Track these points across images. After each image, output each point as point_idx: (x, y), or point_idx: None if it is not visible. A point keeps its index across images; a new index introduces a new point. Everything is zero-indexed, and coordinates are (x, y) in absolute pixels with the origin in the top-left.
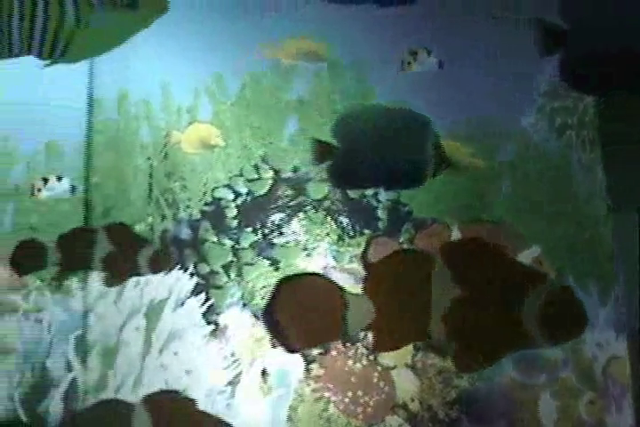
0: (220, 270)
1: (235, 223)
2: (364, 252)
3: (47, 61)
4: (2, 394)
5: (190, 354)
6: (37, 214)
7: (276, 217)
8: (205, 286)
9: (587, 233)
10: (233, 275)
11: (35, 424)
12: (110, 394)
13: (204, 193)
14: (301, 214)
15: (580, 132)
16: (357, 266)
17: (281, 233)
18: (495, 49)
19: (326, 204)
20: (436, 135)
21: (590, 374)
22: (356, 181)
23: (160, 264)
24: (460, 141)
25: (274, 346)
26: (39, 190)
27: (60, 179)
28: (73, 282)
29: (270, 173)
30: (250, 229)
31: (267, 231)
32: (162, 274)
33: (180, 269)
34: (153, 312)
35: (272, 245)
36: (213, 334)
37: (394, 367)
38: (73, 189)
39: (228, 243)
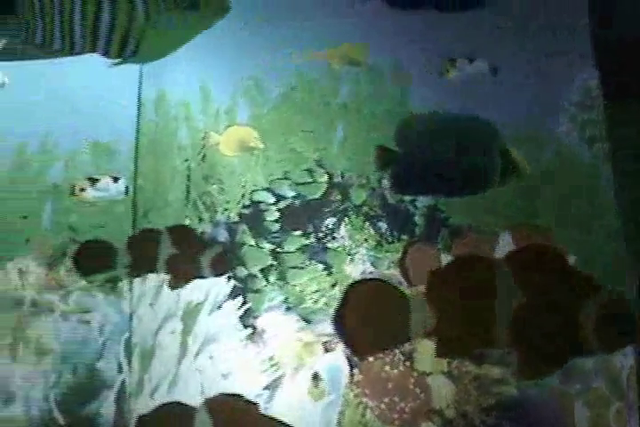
0: (259, 274)
1: (276, 227)
2: (402, 258)
3: (115, 60)
4: (37, 395)
5: (227, 358)
6: (77, 214)
7: (329, 221)
8: (243, 289)
9: (617, 245)
10: (273, 278)
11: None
12: (146, 398)
13: (243, 196)
14: (346, 219)
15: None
16: (395, 272)
17: (333, 237)
18: (533, 55)
19: (365, 209)
20: (503, 142)
21: (619, 384)
22: (418, 188)
23: (223, 266)
24: None
25: (326, 350)
26: (82, 190)
27: (116, 180)
28: (124, 284)
29: (325, 178)
30: (299, 233)
31: (320, 235)
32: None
33: None
34: (189, 315)
35: (325, 249)
36: (251, 337)
37: (429, 374)
38: (127, 190)
39: (268, 246)
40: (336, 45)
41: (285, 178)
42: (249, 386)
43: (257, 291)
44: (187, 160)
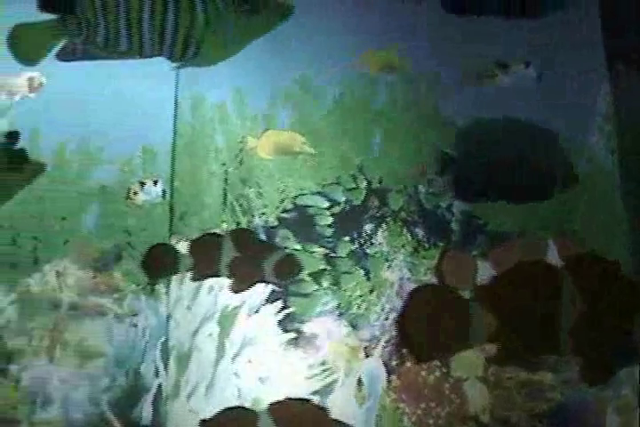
0: (307, 278)
1: (330, 231)
2: (438, 264)
3: (177, 63)
4: (78, 397)
5: (267, 362)
6: (125, 218)
7: (368, 227)
8: (283, 293)
9: None
10: (326, 283)
11: None
12: (182, 401)
13: (283, 200)
14: (384, 225)
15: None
16: (432, 278)
17: (371, 243)
18: (566, 63)
19: (402, 215)
20: (564, 150)
21: None
22: (477, 194)
23: (288, 271)
24: None
25: (366, 356)
26: (135, 193)
27: (155, 183)
28: (161, 286)
29: (365, 183)
30: (347, 238)
31: (362, 241)
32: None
33: None
34: (226, 318)
35: (365, 254)
36: (295, 341)
37: (466, 379)
38: (164, 193)
39: (319, 251)
40: (374, 51)
41: (336, 183)
42: (292, 391)
43: (306, 295)
44: (224, 164)
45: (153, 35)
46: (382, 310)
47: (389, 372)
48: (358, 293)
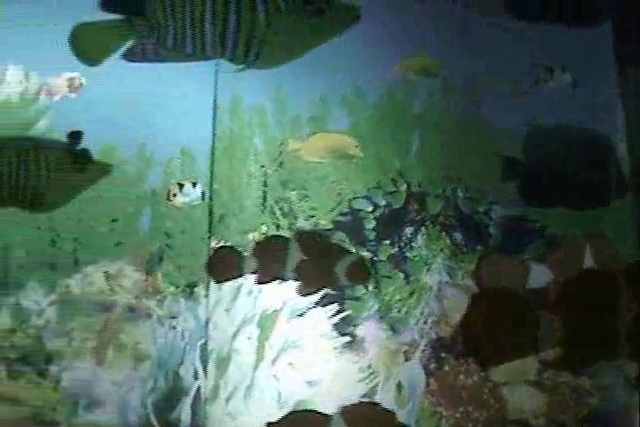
0: None
1: (373, 235)
2: (476, 269)
3: (240, 66)
4: (135, 401)
5: (314, 365)
6: (170, 220)
7: (408, 231)
8: (339, 296)
9: None
10: (371, 287)
11: None
12: (221, 404)
13: (339, 203)
14: (423, 229)
15: None
16: (470, 283)
17: (411, 247)
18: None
19: (441, 219)
20: (617, 156)
21: None
22: (544, 200)
23: (360, 276)
24: None
25: (406, 359)
26: (174, 195)
27: (194, 185)
28: (200, 289)
29: (404, 187)
30: (388, 242)
31: (402, 244)
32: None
33: None
34: (267, 321)
35: (405, 258)
36: (348, 345)
37: (505, 383)
38: (203, 195)
39: (366, 255)
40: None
41: (379, 187)
42: (343, 394)
43: (357, 299)
44: (263, 166)
45: (214, 35)
46: (422, 313)
47: (427, 375)
48: (398, 297)
